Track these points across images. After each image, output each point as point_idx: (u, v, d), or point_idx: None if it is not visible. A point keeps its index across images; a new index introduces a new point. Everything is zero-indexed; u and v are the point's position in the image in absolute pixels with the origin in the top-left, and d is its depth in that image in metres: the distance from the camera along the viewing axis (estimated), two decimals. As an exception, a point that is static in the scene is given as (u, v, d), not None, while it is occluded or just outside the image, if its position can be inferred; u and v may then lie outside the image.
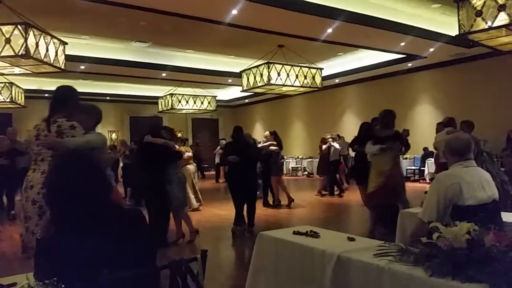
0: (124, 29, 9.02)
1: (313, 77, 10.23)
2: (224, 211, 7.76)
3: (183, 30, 9.04)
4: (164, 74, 12.59)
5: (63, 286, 1.16)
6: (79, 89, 13.15)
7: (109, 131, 17.22)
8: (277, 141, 8.50)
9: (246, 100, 18.63)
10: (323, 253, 2.19)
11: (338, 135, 11.64)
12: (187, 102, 14.42)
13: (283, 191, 8.58)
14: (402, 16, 8.57)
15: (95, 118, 3.31)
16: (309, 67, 10.22)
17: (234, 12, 7.53)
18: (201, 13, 7.69)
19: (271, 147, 8.28)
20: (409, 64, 12.10)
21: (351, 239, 2.42)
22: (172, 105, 14.13)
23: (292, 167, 16.47)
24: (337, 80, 13.88)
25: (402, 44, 9.90)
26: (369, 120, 7.10)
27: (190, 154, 8.11)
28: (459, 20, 5.77)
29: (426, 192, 2.51)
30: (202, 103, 14.80)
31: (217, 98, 15.52)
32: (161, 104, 14.63)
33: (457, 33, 5.92)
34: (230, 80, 13.70)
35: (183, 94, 14.28)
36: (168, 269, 1.47)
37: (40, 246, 1.48)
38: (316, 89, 10.70)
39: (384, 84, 13.43)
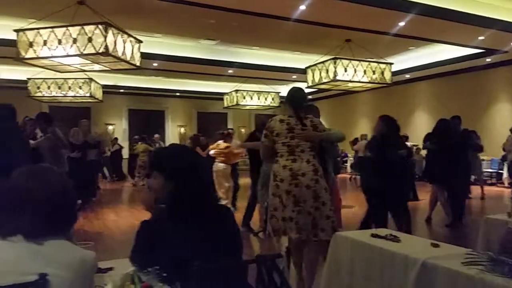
0: (193, 27, 9.29)
1: (382, 73, 9.87)
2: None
3: (250, 27, 9.13)
4: (230, 71, 12.81)
5: (164, 274, 1.20)
6: (151, 86, 13.72)
7: (178, 126, 17.91)
8: None
9: (310, 97, 18.43)
10: (406, 258, 2.10)
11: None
12: (251, 98, 14.59)
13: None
14: (481, 8, 7.99)
15: (319, 115, 3.86)
16: (378, 62, 9.87)
17: (302, 7, 7.46)
18: (269, 10, 7.71)
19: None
20: (488, 59, 11.28)
21: (435, 245, 2.29)
22: (237, 101, 14.37)
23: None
24: (407, 76, 13.29)
25: (481, 38, 9.25)
26: (446, 118, 6.71)
27: (212, 152, 7.70)
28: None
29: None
30: (265, 99, 14.89)
31: (280, 95, 15.52)
32: (227, 100, 14.93)
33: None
34: (294, 76, 13.62)
35: (247, 90, 14.45)
36: (254, 264, 1.49)
37: (143, 227, 1.56)
38: (385, 85, 10.32)
39: (460, 80, 12.65)
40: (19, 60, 7.00)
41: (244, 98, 14.43)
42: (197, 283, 1.26)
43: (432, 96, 13.88)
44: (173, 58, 10.80)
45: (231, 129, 9.58)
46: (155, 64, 11.28)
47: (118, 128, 16.54)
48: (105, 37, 6.53)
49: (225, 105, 15.09)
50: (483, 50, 10.52)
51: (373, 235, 2.48)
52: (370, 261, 2.33)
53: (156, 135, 13.19)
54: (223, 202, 7.03)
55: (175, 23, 8.93)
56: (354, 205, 8.32)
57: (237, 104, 14.49)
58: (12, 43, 7.14)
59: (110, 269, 1.68)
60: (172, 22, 8.90)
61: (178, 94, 16.85)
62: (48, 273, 1.19)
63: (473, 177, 9.02)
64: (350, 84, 10.11)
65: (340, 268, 2.55)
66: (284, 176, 3.22)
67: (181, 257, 1.37)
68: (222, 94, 15.27)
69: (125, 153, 14.92)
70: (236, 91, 14.32)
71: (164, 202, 1.55)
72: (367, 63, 9.65)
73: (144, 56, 8.15)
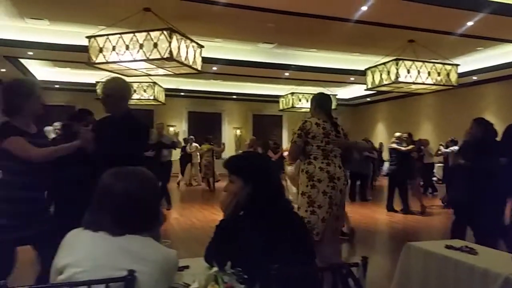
0: (253, 31, 9.38)
1: (448, 74, 9.40)
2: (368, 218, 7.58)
3: (309, 29, 9.07)
4: (286, 74, 12.81)
5: (245, 276, 1.23)
6: (210, 89, 13.90)
7: (234, 128, 18.20)
8: (414, 144, 8.58)
9: (368, 99, 17.97)
10: (486, 272, 1.98)
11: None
12: (307, 100, 14.47)
13: (419, 196, 8.49)
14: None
15: None
16: (443, 63, 9.42)
17: (364, 8, 7.30)
18: (330, 12, 7.61)
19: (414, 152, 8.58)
20: None
21: (517, 260, 2.14)
22: (292, 104, 14.34)
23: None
24: (475, 78, 12.56)
25: (560, 36, 8.56)
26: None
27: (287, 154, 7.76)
28: None
29: None
30: (322, 102, 14.70)
31: (337, 97, 15.27)
32: (282, 103, 14.95)
33: None
34: (352, 78, 13.36)
35: (303, 93, 14.39)
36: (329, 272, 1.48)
37: (221, 227, 1.60)
38: (451, 87, 9.83)
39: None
40: (90, 64, 7.43)
41: (300, 100, 14.37)
42: (276, 286, 1.26)
43: (502, 99, 13.01)
44: (232, 62, 10.97)
45: None
46: (214, 68, 11.54)
47: (179, 130, 17.10)
48: (170, 42, 6.73)
49: (281, 107, 15.11)
50: (562, 49, 9.73)
51: (448, 246, 2.36)
52: (445, 273, 2.21)
53: (210, 136, 13.56)
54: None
55: (235, 27, 9.07)
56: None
57: (293, 107, 14.47)
58: (83, 49, 7.60)
59: (186, 267, 1.74)
60: (231, 27, 9.04)
61: (234, 97, 17.14)
62: (136, 270, 1.25)
63: None
64: (413, 86, 9.72)
65: (411, 280, 2.45)
66: (322, 177, 3.31)
67: (259, 259, 1.38)
68: (278, 96, 15.32)
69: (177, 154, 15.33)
70: (292, 93, 14.30)
71: (242, 205, 1.59)
72: (431, 64, 9.24)
73: (205, 60, 8.34)
